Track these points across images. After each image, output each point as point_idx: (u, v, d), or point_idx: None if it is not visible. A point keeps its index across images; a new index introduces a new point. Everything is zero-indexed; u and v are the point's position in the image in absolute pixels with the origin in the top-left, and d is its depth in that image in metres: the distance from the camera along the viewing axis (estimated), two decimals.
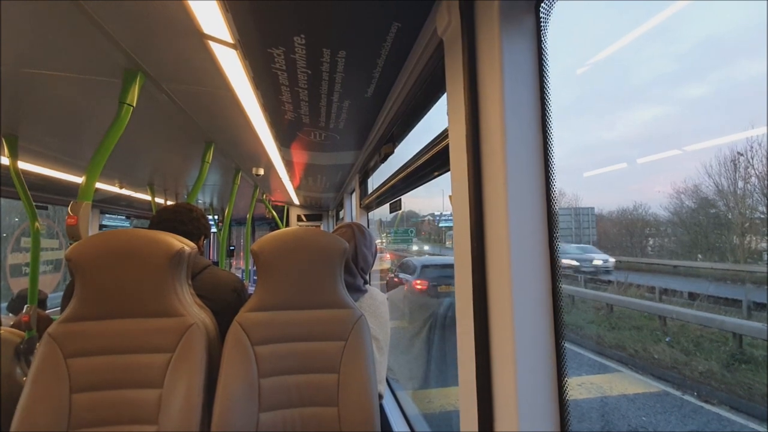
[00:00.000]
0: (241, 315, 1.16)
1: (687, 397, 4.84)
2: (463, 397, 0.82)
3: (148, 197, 3.96)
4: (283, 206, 6.28)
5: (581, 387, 4.77)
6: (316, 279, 1.20)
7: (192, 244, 1.22)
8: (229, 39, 1.11)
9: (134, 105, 1.35)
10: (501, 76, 0.67)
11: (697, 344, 5.78)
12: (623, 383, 5.26)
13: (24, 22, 1.04)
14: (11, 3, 0.94)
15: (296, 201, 5.41)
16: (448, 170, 0.91)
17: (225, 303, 1.32)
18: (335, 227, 1.52)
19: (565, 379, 0.68)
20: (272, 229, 7.71)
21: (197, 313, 1.14)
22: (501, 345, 0.69)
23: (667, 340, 6.00)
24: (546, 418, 0.66)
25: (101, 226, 4.88)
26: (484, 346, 0.72)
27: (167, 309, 1.09)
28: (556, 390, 0.68)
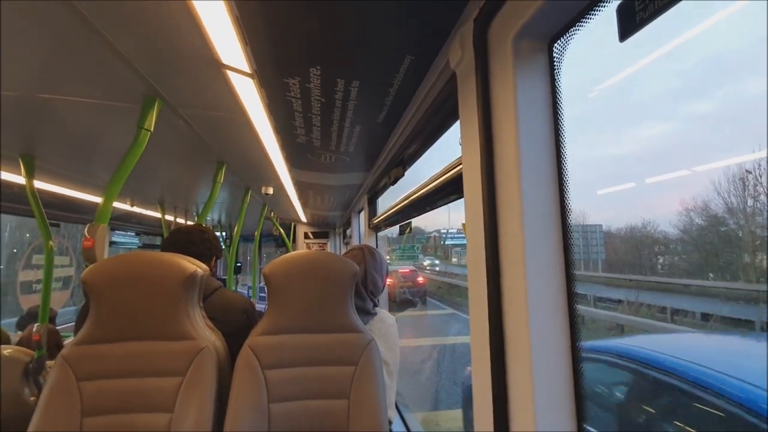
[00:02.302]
0: (251, 338, 1.16)
1: None
2: (477, 397, 0.81)
3: (157, 214, 4.01)
4: (290, 223, 6.31)
5: None
6: (326, 303, 1.20)
7: (204, 266, 1.23)
8: (247, 69, 1.14)
9: (152, 130, 1.39)
10: (515, 112, 0.69)
11: None
12: None
13: (47, 49, 1.08)
14: (38, 32, 0.99)
15: (304, 219, 5.44)
16: (460, 197, 0.92)
17: (235, 325, 1.32)
18: (346, 250, 1.53)
19: (582, 382, 0.68)
20: (279, 246, 7.73)
21: (208, 336, 1.14)
22: (517, 359, 0.69)
23: None
24: (563, 417, 0.66)
25: (111, 243, 4.92)
26: (500, 365, 0.72)
27: (179, 332, 1.10)
28: (573, 390, 0.67)
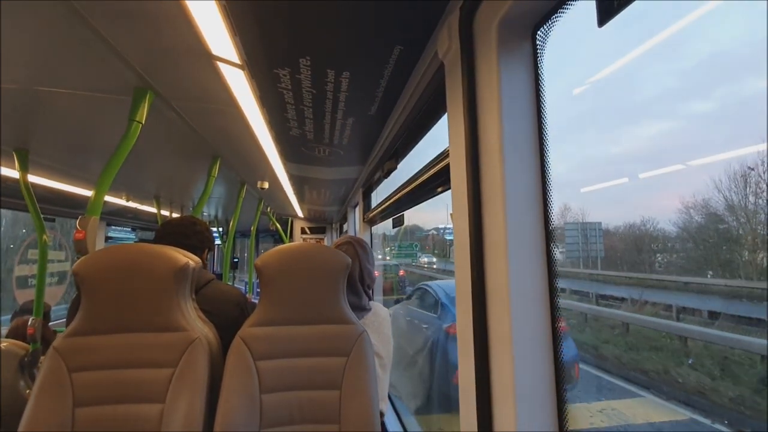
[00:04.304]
0: (243, 330, 1.16)
1: (718, 426, 4.50)
2: (462, 398, 0.82)
3: (153, 210, 4.00)
4: (287, 219, 6.31)
5: (602, 413, 4.41)
6: (318, 294, 1.20)
7: (196, 258, 1.23)
8: (237, 60, 1.14)
9: (143, 122, 1.39)
10: (499, 99, 0.69)
11: (723, 367, 5.36)
12: (646, 410, 4.80)
13: (38, 41, 1.08)
14: (26, 21, 0.98)
15: (300, 214, 5.44)
16: (449, 188, 0.93)
17: (228, 317, 1.32)
18: (335, 242, 1.53)
19: (563, 380, 0.68)
20: (276, 242, 7.73)
21: (200, 328, 1.15)
22: (499, 350, 0.70)
23: (689, 362, 5.59)
24: (545, 417, 0.67)
25: (107, 238, 4.92)
26: (483, 352, 0.73)
27: (171, 323, 1.10)
28: (554, 390, 0.68)
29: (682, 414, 4.35)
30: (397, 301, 6.33)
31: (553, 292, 0.69)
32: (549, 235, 0.70)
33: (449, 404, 3.80)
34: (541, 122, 0.71)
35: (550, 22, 0.67)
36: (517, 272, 0.68)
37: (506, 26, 0.68)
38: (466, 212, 0.78)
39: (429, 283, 5.52)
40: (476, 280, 0.75)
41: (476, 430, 0.73)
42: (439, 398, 3.96)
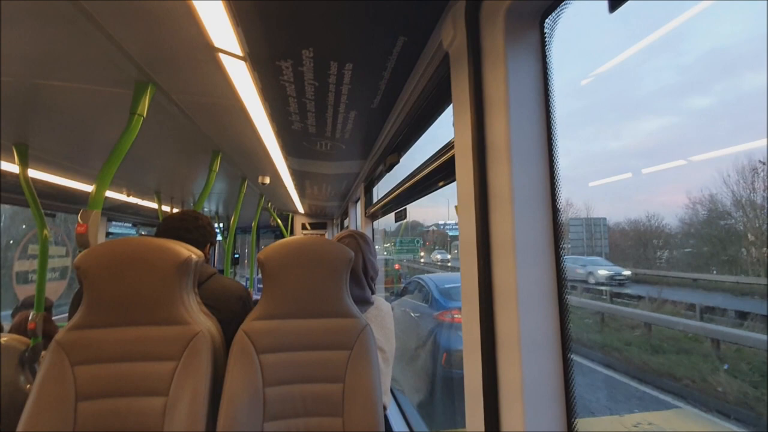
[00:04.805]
0: (246, 323, 1.16)
1: None
2: (469, 397, 0.82)
3: (154, 205, 3.99)
4: (288, 214, 6.30)
5: (638, 428, 4.09)
6: (321, 288, 1.20)
7: (199, 252, 1.22)
8: (239, 52, 1.13)
9: (144, 115, 1.38)
10: (506, 90, 0.68)
11: (763, 373, 4.70)
12: (687, 423, 4.31)
13: (38, 35, 1.07)
14: (26, 15, 0.97)
15: (301, 209, 5.43)
16: (454, 180, 0.92)
17: (230, 311, 1.32)
18: (337, 237, 1.52)
19: (572, 379, 0.68)
20: (277, 238, 7.73)
21: (203, 321, 1.15)
22: (507, 349, 0.69)
23: (725, 367, 5.19)
24: (553, 418, 0.67)
25: (108, 234, 4.92)
26: (490, 351, 0.72)
27: (174, 317, 1.10)
28: (563, 390, 0.68)
29: (727, 427, 3.92)
30: (396, 292, 6.60)
31: (561, 288, 0.69)
32: (557, 228, 0.69)
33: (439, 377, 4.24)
34: (549, 113, 0.70)
35: (558, 10, 0.66)
36: (524, 268, 0.67)
37: (514, 14, 0.67)
38: (472, 205, 0.77)
39: (421, 275, 6.09)
40: (483, 276, 0.74)
41: (483, 430, 0.73)
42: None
